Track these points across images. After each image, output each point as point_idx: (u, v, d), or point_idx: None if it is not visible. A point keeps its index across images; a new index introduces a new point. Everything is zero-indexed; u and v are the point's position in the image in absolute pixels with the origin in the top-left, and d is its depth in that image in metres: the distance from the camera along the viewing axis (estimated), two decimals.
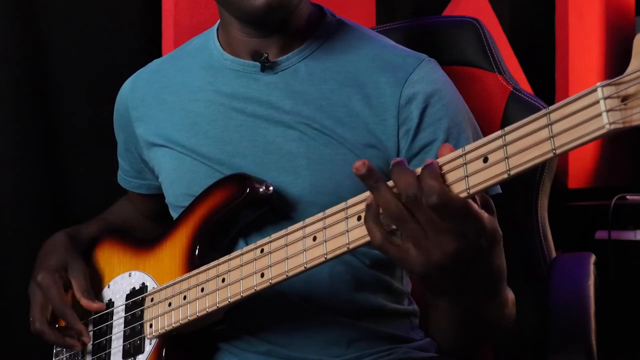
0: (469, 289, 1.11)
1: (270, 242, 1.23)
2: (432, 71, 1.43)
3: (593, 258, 1.60)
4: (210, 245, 1.42)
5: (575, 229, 3.04)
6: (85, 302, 1.50)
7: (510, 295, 1.25)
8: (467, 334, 1.25)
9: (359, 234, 1.10)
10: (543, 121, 0.92)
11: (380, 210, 1.05)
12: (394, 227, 1.05)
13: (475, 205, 1.02)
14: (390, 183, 1.04)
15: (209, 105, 1.48)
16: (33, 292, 1.53)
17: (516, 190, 1.67)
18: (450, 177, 1.00)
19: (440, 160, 1.01)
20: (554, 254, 1.67)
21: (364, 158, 1.37)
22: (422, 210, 1.01)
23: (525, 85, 2.98)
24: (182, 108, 1.51)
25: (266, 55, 1.43)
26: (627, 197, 2.99)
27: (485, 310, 1.17)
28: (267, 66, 1.44)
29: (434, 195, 0.99)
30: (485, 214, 1.03)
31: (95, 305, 1.50)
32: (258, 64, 1.45)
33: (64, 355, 1.58)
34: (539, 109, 1.64)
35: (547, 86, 3.36)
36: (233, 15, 1.45)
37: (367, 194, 1.08)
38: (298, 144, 1.41)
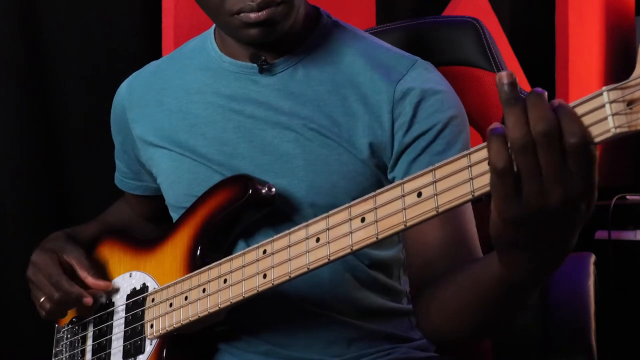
0: (542, 249, 1.02)
1: (273, 243, 1.23)
2: (426, 71, 1.44)
3: (593, 258, 1.60)
4: (212, 246, 1.42)
5: None
6: (91, 280, 1.50)
7: None
8: (492, 311, 1.17)
9: (363, 236, 1.10)
10: None
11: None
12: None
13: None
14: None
15: (208, 107, 1.48)
16: (33, 274, 1.52)
17: None
18: (457, 178, 1.00)
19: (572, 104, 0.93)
20: None
21: (361, 158, 1.38)
22: (550, 149, 0.92)
23: (525, 85, 2.98)
24: (180, 110, 1.51)
25: (264, 58, 1.44)
26: (627, 197, 2.99)
27: (533, 283, 1.09)
28: (265, 68, 1.45)
29: (576, 136, 0.90)
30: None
31: (101, 283, 1.50)
32: (256, 65, 1.45)
33: (64, 355, 1.58)
34: None
35: (547, 86, 3.36)
36: (229, 36, 1.46)
37: (371, 195, 1.08)
38: (294, 145, 1.41)
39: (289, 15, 1.37)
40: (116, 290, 1.53)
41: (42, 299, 1.51)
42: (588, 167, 0.92)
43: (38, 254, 1.53)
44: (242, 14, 1.34)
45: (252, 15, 1.33)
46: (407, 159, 1.39)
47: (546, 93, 0.94)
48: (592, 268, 1.57)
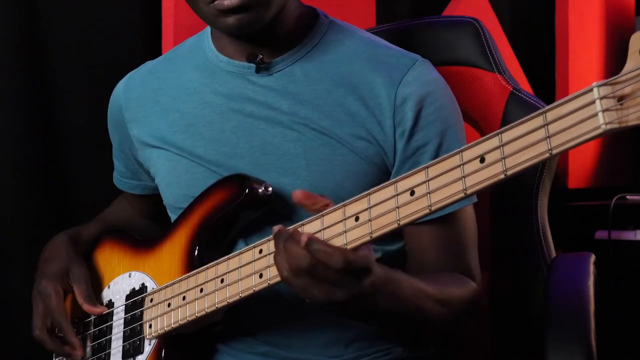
0: (376, 315, 1.22)
1: (269, 242, 1.23)
2: (426, 72, 1.43)
3: (593, 258, 1.59)
4: (210, 245, 1.42)
5: (575, 229, 3.03)
6: (87, 307, 1.51)
7: (454, 292, 1.32)
8: (407, 334, 1.38)
9: (357, 235, 1.11)
10: (539, 121, 0.92)
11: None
12: None
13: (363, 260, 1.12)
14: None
15: (205, 107, 1.48)
16: (35, 300, 1.53)
17: (516, 191, 1.67)
18: (449, 176, 1.01)
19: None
20: (554, 254, 1.67)
21: (363, 156, 1.39)
22: (319, 272, 1.11)
23: (525, 85, 2.97)
24: (177, 109, 1.51)
25: (261, 56, 1.43)
26: (627, 197, 2.98)
27: (407, 324, 1.29)
28: (262, 67, 1.44)
29: (337, 264, 1.10)
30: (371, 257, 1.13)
31: (97, 309, 1.51)
32: (253, 65, 1.44)
33: None
34: (538, 109, 1.65)
35: (547, 86, 3.35)
36: (213, 28, 1.45)
37: (364, 194, 1.09)
38: (296, 145, 1.41)
39: (266, 3, 1.37)
40: (116, 291, 1.53)
41: (35, 324, 1.52)
42: (359, 272, 1.12)
43: (45, 282, 1.52)
44: (216, 2, 1.34)
45: (226, 2, 1.34)
46: (409, 166, 1.39)
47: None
48: (592, 268, 1.56)
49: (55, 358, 1.61)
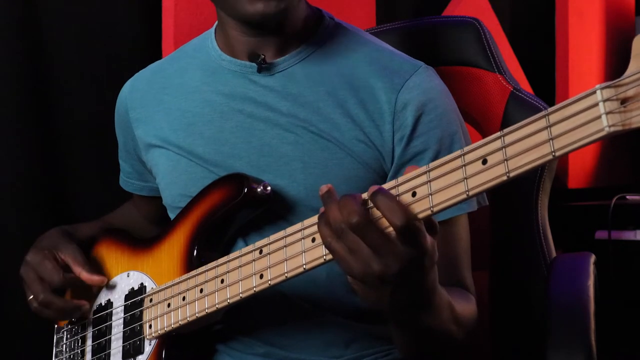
0: (403, 304, 1.13)
1: (269, 243, 1.23)
2: (428, 79, 1.43)
3: (593, 258, 1.59)
4: (209, 245, 1.42)
5: (575, 229, 3.03)
6: (86, 275, 1.50)
7: (460, 308, 1.27)
8: (417, 347, 1.28)
9: None
10: (542, 123, 0.92)
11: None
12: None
13: (424, 229, 1.06)
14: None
15: (206, 106, 1.48)
16: (25, 272, 1.53)
17: (516, 191, 1.68)
18: (451, 178, 1.01)
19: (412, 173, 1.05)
20: (554, 254, 1.67)
21: (361, 160, 1.39)
22: (367, 234, 1.04)
23: (525, 85, 2.97)
24: (178, 108, 1.51)
25: (263, 56, 1.43)
26: (627, 197, 2.98)
27: (424, 323, 1.19)
28: (264, 67, 1.44)
29: (400, 220, 1.02)
30: (429, 238, 1.07)
31: (96, 278, 1.51)
32: (255, 64, 1.44)
33: (65, 356, 1.58)
34: (539, 109, 1.66)
35: (547, 86, 3.35)
36: (230, 16, 1.44)
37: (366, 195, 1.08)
38: (294, 147, 1.41)
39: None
40: (114, 291, 1.53)
41: (29, 298, 1.52)
42: (414, 238, 1.04)
43: (32, 253, 1.53)
44: None
45: None
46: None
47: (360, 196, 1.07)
48: (592, 268, 1.56)
49: (56, 352, 1.61)
